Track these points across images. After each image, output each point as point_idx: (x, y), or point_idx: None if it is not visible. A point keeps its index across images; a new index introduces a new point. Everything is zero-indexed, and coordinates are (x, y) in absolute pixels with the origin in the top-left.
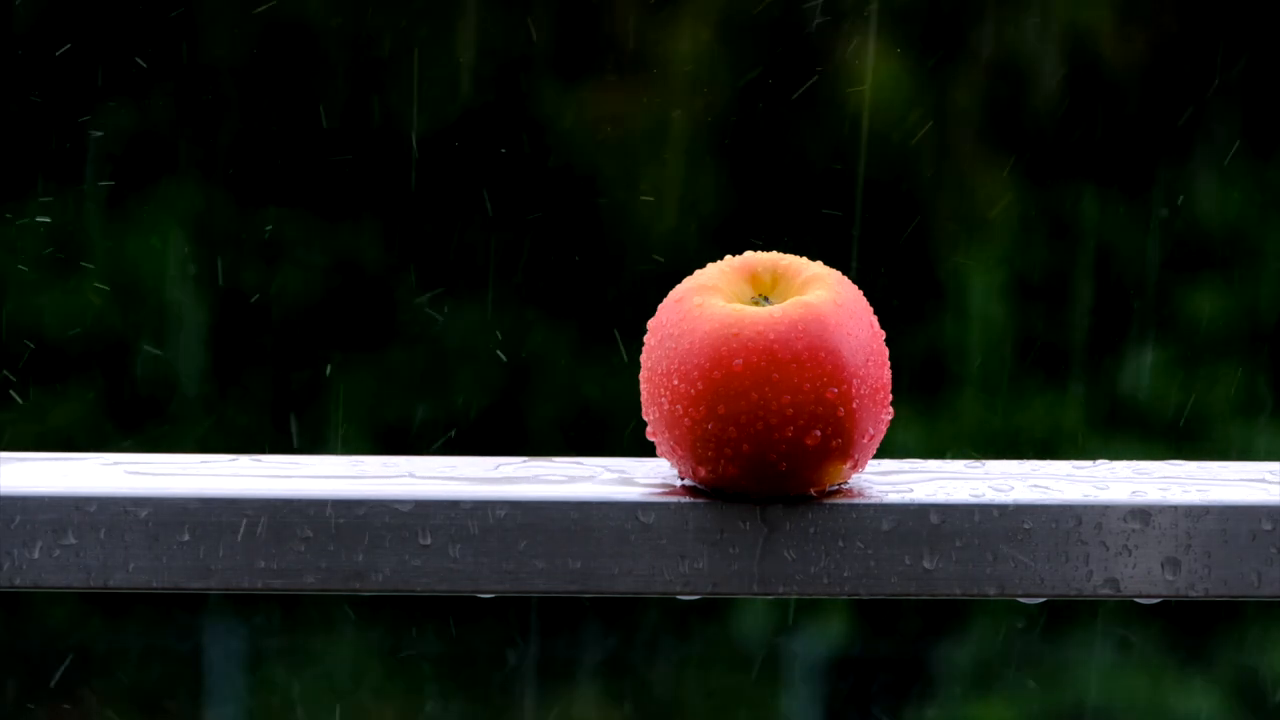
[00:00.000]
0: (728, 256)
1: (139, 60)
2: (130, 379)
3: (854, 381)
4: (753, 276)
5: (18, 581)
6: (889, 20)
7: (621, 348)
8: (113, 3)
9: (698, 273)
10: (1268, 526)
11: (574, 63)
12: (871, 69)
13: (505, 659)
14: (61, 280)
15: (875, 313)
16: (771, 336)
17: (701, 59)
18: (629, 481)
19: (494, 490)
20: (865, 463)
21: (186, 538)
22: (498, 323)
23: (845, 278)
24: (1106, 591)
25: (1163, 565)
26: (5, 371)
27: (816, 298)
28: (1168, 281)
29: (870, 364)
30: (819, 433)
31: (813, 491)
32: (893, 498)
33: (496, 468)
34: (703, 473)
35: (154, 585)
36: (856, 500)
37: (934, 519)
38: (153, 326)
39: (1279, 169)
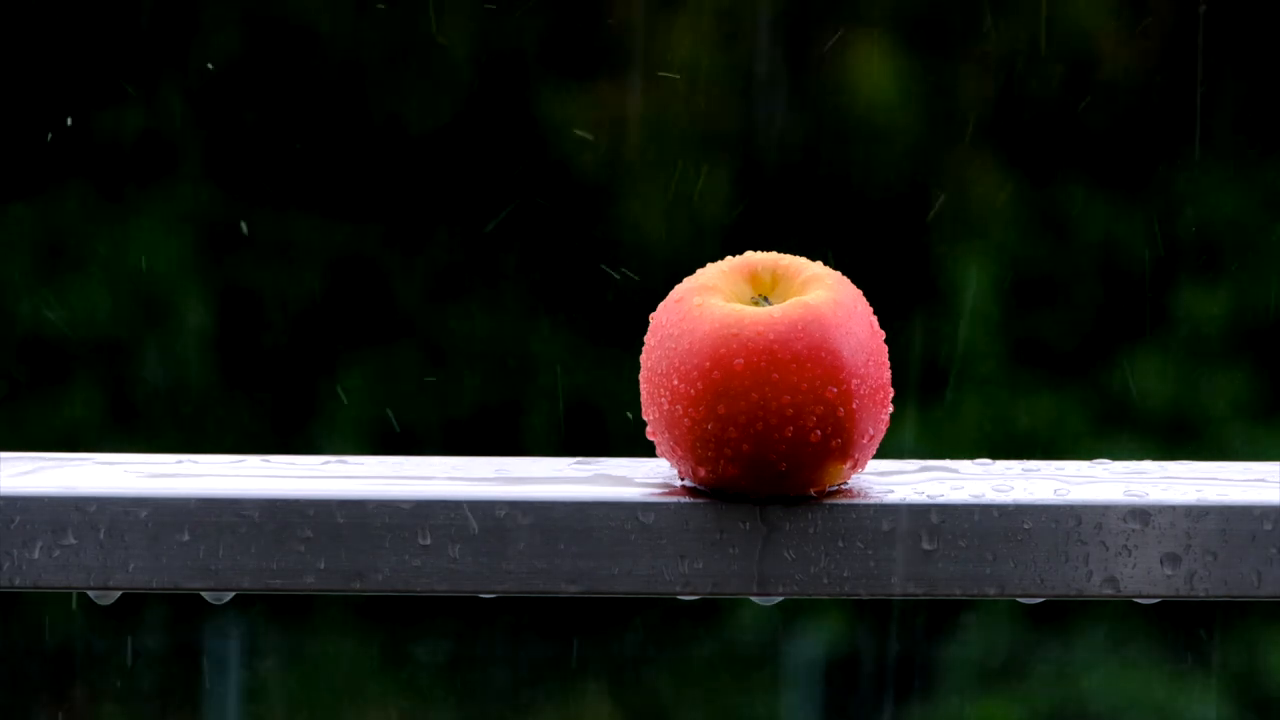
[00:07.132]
0: (728, 256)
1: (141, 59)
2: (131, 379)
3: (854, 381)
4: (752, 276)
5: (18, 581)
6: (889, 19)
7: (621, 348)
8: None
9: (698, 273)
10: (1268, 526)
11: (574, 61)
12: (871, 67)
13: (505, 659)
14: (63, 279)
15: (875, 313)
16: (771, 336)
17: (702, 57)
18: (629, 481)
19: (494, 490)
20: (865, 463)
21: (186, 538)
22: (498, 322)
23: (845, 278)
24: (1107, 591)
25: (1163, 565)
26: (5, 370)
27: (816, 298)
28: (1168, 281)
29: (870, 364)
30: (819, 433)
31: (813, 491)
32: (893, 498)
33: (497, 468)
34: (703, 473)
35: (154, 585)
36: (856, 500)
37: (934, 519)
38: (154, 326)
39: (1279, 168)
